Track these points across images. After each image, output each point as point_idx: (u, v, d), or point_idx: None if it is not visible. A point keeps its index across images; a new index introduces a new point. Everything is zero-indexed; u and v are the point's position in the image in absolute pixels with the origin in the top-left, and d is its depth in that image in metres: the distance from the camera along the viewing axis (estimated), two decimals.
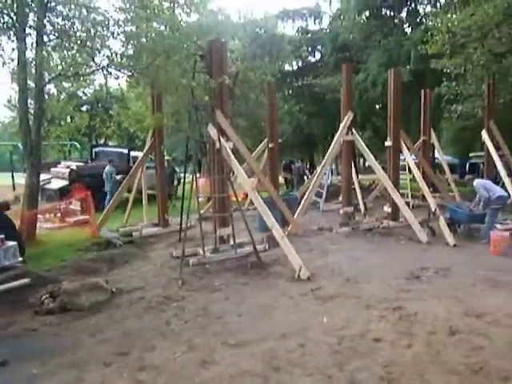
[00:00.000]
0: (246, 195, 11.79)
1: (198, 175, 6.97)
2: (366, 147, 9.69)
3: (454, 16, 10.93)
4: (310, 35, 22.56)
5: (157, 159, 9.86)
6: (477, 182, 8.77)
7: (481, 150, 26.88)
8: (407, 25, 20.35)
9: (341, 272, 6.37)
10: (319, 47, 22.79)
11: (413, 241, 8.45)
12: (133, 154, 14.88)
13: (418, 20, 19.14)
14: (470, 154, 23.27)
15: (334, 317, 4.62)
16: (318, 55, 23.52)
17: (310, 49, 22.39)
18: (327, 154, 10.09)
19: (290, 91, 22.43)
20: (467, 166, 21.74)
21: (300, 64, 23.04)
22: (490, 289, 5.59)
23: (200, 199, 7.55)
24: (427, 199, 9.29)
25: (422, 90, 13.36)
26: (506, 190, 9.56)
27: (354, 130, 9.88)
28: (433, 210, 8.91)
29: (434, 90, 13.87)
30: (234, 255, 6.94)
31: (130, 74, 8.04)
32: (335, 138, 9.86)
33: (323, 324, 4.46)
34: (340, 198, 12.23)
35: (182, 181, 9.44)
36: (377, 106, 20.77)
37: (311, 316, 4.68)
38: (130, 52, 7.56)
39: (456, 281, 5.93)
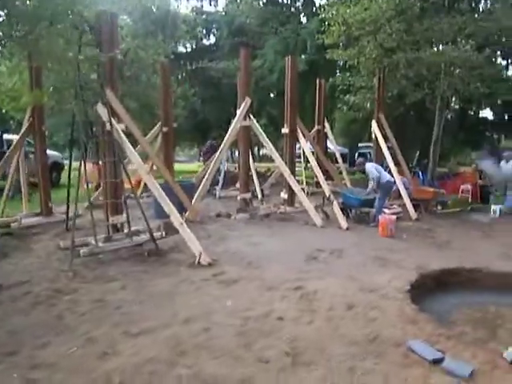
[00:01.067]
0: (139, 182, 11.44)
1: (85, 160, 6.53)
2: (263, 133, 9.99)
3: (349, 9, 11.68)
4: (205, 16, 22.44)
5: (37, 142, 9.06)
6: (369, 164, 9.63)
7: (368, 140, 29.35)
8: (303, 14, 21.27)
9: (242, 257, 6.53)
10: (214, 30, 22.81)
11: (309, 225, 8.96)
12: (6, 137, 13.56)
13: (314, 10, 20.11)
14: (359, 145, 25.24)
15: (238, 300, 4.75)
16: (213, 38, 23.54)
17: (205, 31, 22.31)
18: (225, 140, 10.18)
19: (184, 74, 22.14)
20: (356, 155, 23.54)
21: (194, 46, 22.85)
22: (379, 267, 6.19)
23: (89, 185, 7.12)
24: (322, 186, 9.90)
25: (317, 80, 14.11)
26: (393, 178, 10.54)
27: (251, 116, 10.11)
28: (327, 195, 9.54)
29: (329, 81, 14.74)
30: (129, 244, 6.73)
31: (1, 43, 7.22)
32: (232, 124, 9.99)
33: (227, 307, 4.55)
34: (237, 185, 12.51)
35: (67, 167, 8.81)
36: (271, 95, 21.48)
37: (214, 300, 4.74)
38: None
39: (350, 260, 6.46)
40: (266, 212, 9.91)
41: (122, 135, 6.83)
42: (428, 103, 13.74)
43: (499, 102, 17.97)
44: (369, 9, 11.28)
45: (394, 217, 8.69)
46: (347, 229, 8.70)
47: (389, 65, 12.05)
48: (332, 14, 12.15)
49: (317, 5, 20.81)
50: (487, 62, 12.46)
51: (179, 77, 21.62)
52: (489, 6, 13.36)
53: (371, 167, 9.45)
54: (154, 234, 6.79)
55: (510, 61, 18.89)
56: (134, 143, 7.85)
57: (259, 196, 11.87)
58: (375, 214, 9.15)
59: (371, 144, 24.59)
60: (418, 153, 21.27)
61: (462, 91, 12.68)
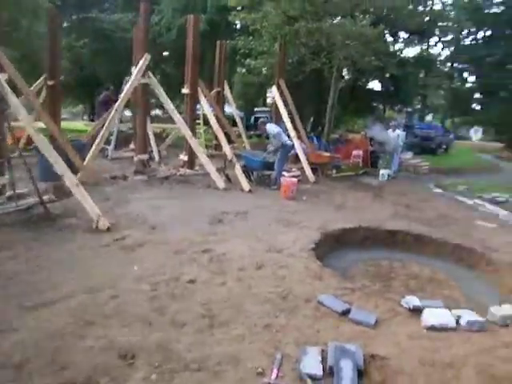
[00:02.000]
0: (18, 139, 10.30)
1: None
2: (163, 91, 9.54)
3: None
4: None
5: None
6: (270, 124, 9.82)
7: (263, 105, 29.64)
8: None
9: (144, 220, 6.26)
10: None
11: (211, 188, 8.88)
12: None
13: None
14: (255, 109, 25.50)
15: (145, 265, 4.55)
16: None
17: None
18: (121, 97, 9.54)
19: (70, 23, 20.20)
20: (252, 119, 23.78)
21: None
22: (283, 227, 6.38)
23: None
24: (223, 148, 9.84)
25: (218, 41, 13.76)
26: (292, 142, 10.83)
27: (150, 73, 9.58)
28: (229, 158, 9.52)
29: (230, 43, 14.47)
30: (13, 208, 6.05)
31: None
32: (130, 81, 9.37)
33: (134, 272, 4.34)
34: (130, 146, 11.93)
35: None
36: (165, 53, 20.58)
37: (119, 266, 4.49)
38: None
39: (254, 222, 6.55)
40: (166, 174, 9.59)
41: (6, 86, 6.03)
42: (326, 73, 14.23)
43: (387, 75, 19.24)
44: None
45: (296, 179, 8.98)
46: (250, 191, 8.80)
47: (290, 32, 12.19)
48: None
49: None
50: (380, 37, 13.21)
51: (64, 25, 19.64)
52: None
53: (273, 126, 9.66)
54: (43, 198, 6.20)
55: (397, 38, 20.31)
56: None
57: (156, 158, 11.45)
58: (275, 176, 9.38)
59: (267, 108, 25.09)
60: (312, 119, 22.17)
61: (357, 63, 13.33)
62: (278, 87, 11.92)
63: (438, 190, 11.10)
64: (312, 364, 2.81)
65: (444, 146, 23.61)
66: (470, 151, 28.24)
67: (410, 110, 32.42)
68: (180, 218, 6.48)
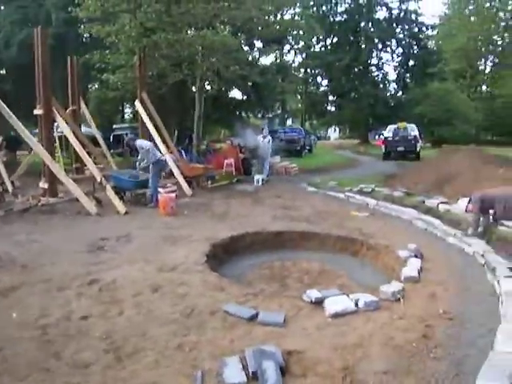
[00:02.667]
0: None
1: None
2: (9, 111, 8.77)
3: None
4: None
5: None
6: (140, 140, 9.80)
7: (121, 121, 28.75)
8: None
9: (12, 260, 5.64)
10: None
11: (82, 214, 8.40)
12: None
13: None
14: (114, 126, 24.62)
15: (25, 309, 4.13)
16: None
17: None
18: None
19: None
20: (111, 138, 22.88)
21: None
22: (171, 245, 6.32)
23: None
24: (91, 170, 9.37)
25: (69, 57, 13.03)
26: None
27: None
28: (98, 180, 9.08)
29: (82, 57, 13.79)
30: None
31: None
32: None
33: (13, 320, 3.92)
34: None
35: None
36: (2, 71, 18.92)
37: None
38: None
39: (139, 244, 6.37)
40: (25, 206, 8.78)
41: None
42: (190, 84, 14.43)
43: (250, 83, 20.07)
44: None
45: (174, 194, 8.93)
46: (126, 213, 8.51)
47: (148, 44, 12.12)
48: None
49: None
50: (241, 46, 13.86)
51: None
52: None
53: (144, 142, 9.54)
54: None
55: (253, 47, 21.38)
56: None
57: (10, 189, 10.40)
58: (152, 194, 9.22)
59: (126, 125, 24.42)
60: (176, 132, 22.16)
61: (222, 73, 13.75)
62: (142, 101, 11.74)
63: (312, 189, 11.87)
64: (234, 373, 2.85)
65: (308, 147, 25.53)
66: (331, 149, 30.94)
67: (271, 115, 34.26)
68: (54, 251, 6.00)
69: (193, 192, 10.71)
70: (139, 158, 9.56)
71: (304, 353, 3.19)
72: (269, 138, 14.16)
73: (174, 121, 20.38)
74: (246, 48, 20.82)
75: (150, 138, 11.29)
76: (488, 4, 15.62)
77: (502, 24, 16.27)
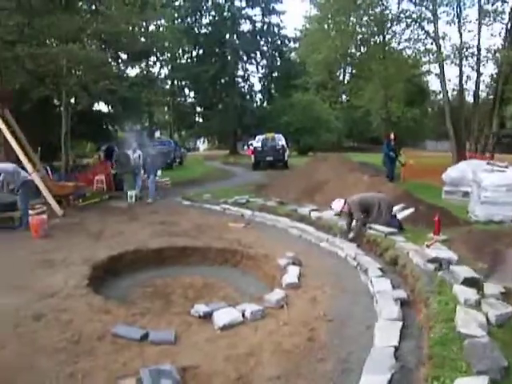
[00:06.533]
0: None
1: None
2: None
3: None
4: None
5: None
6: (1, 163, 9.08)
7: None
8: None
9: None
10: None
11: None
12: None
13: None
14: None
15: None
16: None
17: None
18: None
19: None
20: None
21: None
22: (48, 269, 5.98)
23: None
24: None
25: None
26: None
27: None
28: None
29: None
30: None
31: None
32: None
33: None
34: None
35: None
36: None
37: None
38: None
39: (12, 270, 5.92)
40: None
41: None
42: (56, 99, 13.65)
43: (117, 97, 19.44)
44: None
45: (45, 216, 8.40)
46: None
47: (8, 58, 11.25)
48: None
49: None
50: (107, 61, 13.48)
51: None
52: (107, 9, 14.14)
53: (8, 164, 8.86)
54: None
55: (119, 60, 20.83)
56: None
57: None
58: (22, 217, 8.57)
59: None
60: (39, 149, 20.54)
61: (90, 88, 13.23)
62: (3, 117, 10.82)
63: (187, 202, 11.80)
64: None
65: (178, 160, 25.44)
66: (202, 161, 31.10)
67: (138, 128, 33.46)
68: None
69: (64, 211, 10.12)
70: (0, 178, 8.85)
71: (199, 367, 3.32)
72: (139, 152, 13.87)
73: (37, 137, 18.95)
74: (111, 61, 20.24)
75: (15, 157, 10.43)
76: (344, 18, 17.45)
77: (359, 37, 18.29)
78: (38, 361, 3.52)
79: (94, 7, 13.88)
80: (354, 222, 6.99)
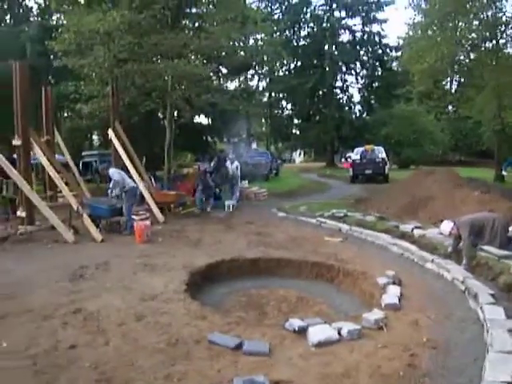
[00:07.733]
0: None
1: None
2: None
3: (83, 19, 11.37)
4: None
5: None
6: (112, 169, 9.74)
7: (90, 148, 28.45)
8: None
9: None
10: None
11: (59, 242, 8.30)
12: None
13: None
14: (83, 153, 24.32)
15: (13, 338, 4.11)
16: None
17: None
18: None
19: None
20: (81, 165, 22.58)
21: None
22: (150, 272, 6.33)
23: None
24: (67, 198, 9.29)
25: (43, 87, 12.94)
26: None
27: None
28: (75, 208, 9.01)
29: (58, 88, 13.84)
30: None
31: None
32: None
33: (3, 349, 3.90)
34: None
35: None
36: None
37: None
38: None
39: (119, 272, 6.34)
40: (3, 235, 8.62)
41: None
42: (161, 112, 14.60)
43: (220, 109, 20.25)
44: (103, 20, 11.22)
45: (149, 222, 8.94)
46: (102, 241, 8.47)
47: (120, 74, 12.27)
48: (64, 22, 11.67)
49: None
50: (210, 75, 14.15)
51: None
52: (209, 26, 14.90)
53: (115, 172, 9.53)
54: None
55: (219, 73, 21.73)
56: None
57: None
58: (127, 222, 9.21)
59: (95, 152, 24.18)
60: (144, 159, 22.05)
61: (193, 101, 13.98)
62: (114, 130, 11.77)
63: (282, 214, 11.77)
64: None
65: (275, 171, 25.71)
66: (297, 173, 31.01)
67: (236, 140, 34.42)
68: (35, 281, 5.94)
69: (165, 219, 10.71)
70: (111, 185, 9.57)
71: (292, 382, 3.26)
72: (236, 163, 14.26)
73: (143, 148, 20.38)
74: (212, 75, 21.17)
75: (123, 166, 11.28)
76: (451, 24, 16.45)
77: (468, 43, 17.13)
78: (137, 359, 3.69)
79: (197, 24, 14.74)
80: (460, 244, 6.39)
